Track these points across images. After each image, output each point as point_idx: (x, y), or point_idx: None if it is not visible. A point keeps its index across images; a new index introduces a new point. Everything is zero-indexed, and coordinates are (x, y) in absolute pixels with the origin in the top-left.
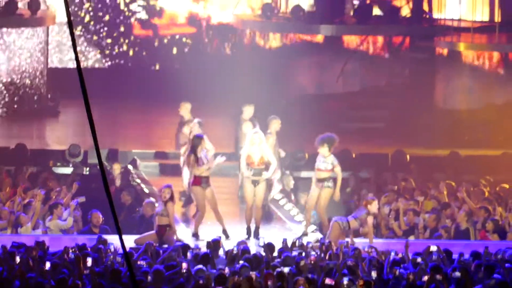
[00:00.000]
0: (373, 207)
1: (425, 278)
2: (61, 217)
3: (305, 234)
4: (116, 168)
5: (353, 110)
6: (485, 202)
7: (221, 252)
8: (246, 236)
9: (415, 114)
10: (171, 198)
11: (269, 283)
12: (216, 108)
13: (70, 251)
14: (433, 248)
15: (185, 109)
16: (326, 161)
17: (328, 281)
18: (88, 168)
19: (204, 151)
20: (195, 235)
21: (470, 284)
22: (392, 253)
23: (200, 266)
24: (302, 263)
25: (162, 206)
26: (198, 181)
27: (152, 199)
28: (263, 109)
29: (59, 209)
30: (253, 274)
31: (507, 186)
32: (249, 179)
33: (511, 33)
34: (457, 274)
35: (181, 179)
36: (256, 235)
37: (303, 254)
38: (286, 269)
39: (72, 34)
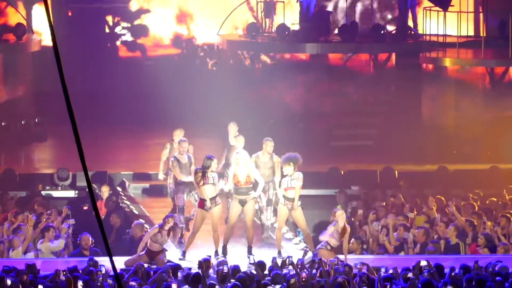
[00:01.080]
0: (340, 218)
1: None
2: (53, 240)
3: (279, 253)
4: (105, 191)
5: (341, 128)
6: (474, 216)
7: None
8: (222, 255)
9: (403, 130)
10: (173, 228)
11: None
12: (202, 129)
13: (62, 274)
14: (423, 262)
15: (179, 136)
16: (291, 179)
17: None
18: (77, 191)
19: (214, 173)
20: (184, 254)
21: None
22: (383, 269)
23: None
24: (292, 281)
25: (160, 233)
26: (201, 204)
27: (141, 220)
28: (251, 128)
29: (50, 232)
30: None
31: (495, 199)
32: (236, 198)
33: (496, 48)
34: None
35: (168, 200)
36: (248, 254)
37: (294, 272)
38: (277, 287)
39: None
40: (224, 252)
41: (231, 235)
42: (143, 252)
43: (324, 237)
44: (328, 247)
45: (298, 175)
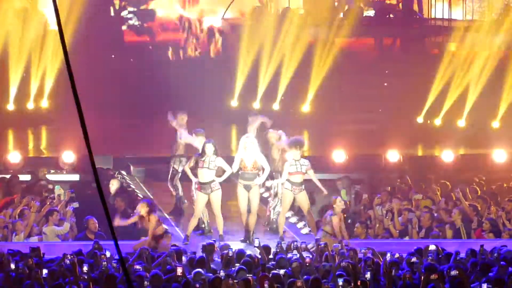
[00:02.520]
0: (338, 206)
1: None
2: (57, 224)
3: (282, 238)
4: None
5: (346, 112)
6: (479, 200)
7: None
8: (243, 239)
9: (408, 115)
10: (150, 212)
11: (265, 285)
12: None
13: (68, 257)
14: (432, 247)
15: (182, 120)
16: (298, 164)
17: None
18: (81, 175)
19: (213, 157)
20: (186, 238)
21: (466, 282)
22: (388, 254)
23: (198, 269)
24: (295, 265)
25: (141, 222)
26: (199, 187)
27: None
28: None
29: (54, 216)
30: (249, 276)
31: (500, 184)
32: (241, 184)
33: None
34: (454, 272)
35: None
36: (251, 240)
37: (298, 256)
38: (281, 271)
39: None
40: (249, 239)
41: (253, 221)
42: (147, 237)
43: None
44: (328, 235)
45: (305, 161)
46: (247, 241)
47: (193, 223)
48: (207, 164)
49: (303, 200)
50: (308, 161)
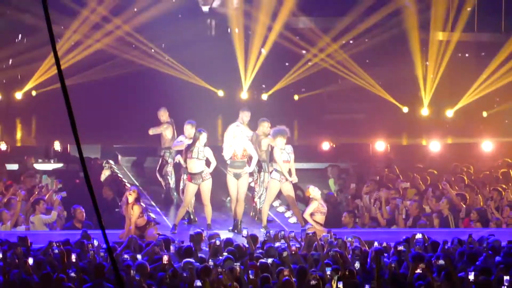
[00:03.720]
0: (314, 193)
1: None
2: (44, 213)
3: (265, 227)
4: (105, 173)
5: (334, 102)
6: (466, 189)
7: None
8: (231, 228)
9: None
10: (137, 200)
11: (250, 275)
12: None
13: (54, 245)
14: (418, 236)
15: (164, 115)
16: (284, 152)
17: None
18: (69, 165)
19: (201, 147)
20: (174, 227)
21: (453, 271)
22: (376, 243)
23: (188, 259)
24: (285, 254)
25: (131, 208)
26: (189, 177)
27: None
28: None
29: (41, 205)
30: (237, 265)
31: (488, 173)
32: (230, 172)
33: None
34: (441, 262)
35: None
36: (239, 229)
37: (286, 245)
38: (269, 260)
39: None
40: (237, 228)
41: (241, 209)
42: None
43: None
44: (316, 225)
45: (290, 148)
46: (235, 230)
47: (181, 212)
48: (196, 154)
49: (289, 190)
50: (291, 146)
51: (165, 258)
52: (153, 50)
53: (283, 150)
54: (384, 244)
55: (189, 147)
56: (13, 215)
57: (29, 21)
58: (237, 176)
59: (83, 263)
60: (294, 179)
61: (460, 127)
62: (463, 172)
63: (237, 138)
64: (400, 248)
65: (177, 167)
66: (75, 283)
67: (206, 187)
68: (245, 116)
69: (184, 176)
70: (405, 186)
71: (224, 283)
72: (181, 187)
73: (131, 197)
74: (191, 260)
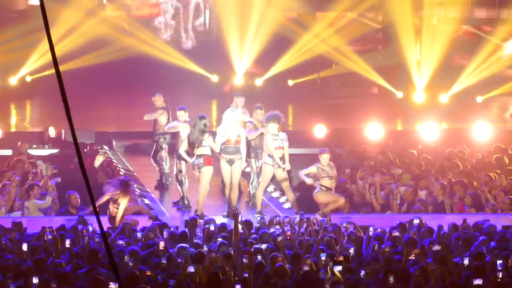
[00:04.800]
0: (324, 160)
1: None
2: (39, 198)
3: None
4: (100, 158)
5: (328, 87)
6: (462, 175)
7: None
8: (225, 214)
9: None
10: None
11: (244, 259)
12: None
13: (48, 231)
14: (415, 221)
15: (159, 100)
16: (278, 138)
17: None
18: (63, 150)
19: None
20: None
21: (449, 257)
22: (371, 228)
23: (182, 244)
24: (279, 239)
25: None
26: (210, 160)
27: (127, 177)
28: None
29: (35, 191)
30: (231, 251)
31: (481, 158)
32: (224, 158)
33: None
34: (436, 247)
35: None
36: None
37: (281, 231)
38: (263, 246)
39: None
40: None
41: (235, 195)
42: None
43: (303, 175)
44: (324, 189)
45: (284, 135)
46: (230, 216)
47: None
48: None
49: (282, 176)
50: (285, 134)
51: (162, 244)
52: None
53: (276, 136)
54: (379, 230)
55: (202, 135)
56: (7, 201)
57: (22, 6)
58: (230, 162)
59: (77, 248)
60: (287, 166)
61: (455, 112)
62: (458, 157)
63: (231, 123)
64: (395, 233)
65: (171, 153)
66: (69, 268)
67: (209, 172)
68: (239, 101)
69: (199, 161)
70: (397, 172)
71: (221, 268)
72: (174, 172)
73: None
74: (185, 245)
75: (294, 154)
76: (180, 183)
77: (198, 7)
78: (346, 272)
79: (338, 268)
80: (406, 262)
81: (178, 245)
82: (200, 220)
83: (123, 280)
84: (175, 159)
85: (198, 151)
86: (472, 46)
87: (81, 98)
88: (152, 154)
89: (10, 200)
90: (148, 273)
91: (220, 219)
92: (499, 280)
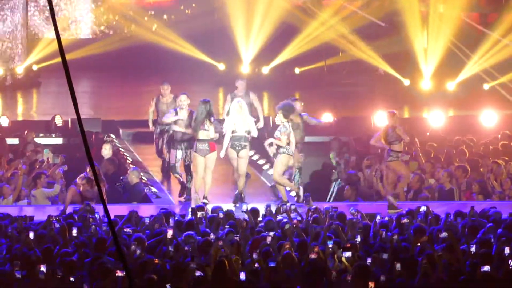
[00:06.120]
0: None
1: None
2: (46, 186)
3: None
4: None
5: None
6: (468, 162)
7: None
8: (233, 203)
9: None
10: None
11: (249, 246)
12: (196, 76)
13: (54, 219)
14: (423, 208)
15: (167, 89)
16: (280, 128)
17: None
18: (70, 138)
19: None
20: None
21: (456, 245)
22: (378, 216)
23: (189, 232)
24: (287, 227)
25: (90, 185)
26: (213, 146)
27: (136, 167)
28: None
29: (42, 179)
30: (237, 238)
31: (489, 146)
32: (231, 145)
33: None
34: (444, 234)
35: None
36: (240, 201)
37: (288, 219)
38: (270, 234)
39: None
40: (241, 199)
41: (242, 182)
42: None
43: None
44: (398, 156)
45: (287, 126)
46: (237, 204)
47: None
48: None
49: (281, 162)
50: (289, 125)
51: (170, 233)
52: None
53: (280, 127)
54: (387, 218)
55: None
56: (14, 190)
57: None
58: (238, 150)
59: (84, 237)
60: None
61: (461, 100)
62: (465, 145)
63: (238, 112)
64: (404, 220)
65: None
66: (76, 257)
67: (213, 158)
68: (240, 85)
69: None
70: (405, 159)
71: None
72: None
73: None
74: (192, 233)
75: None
76: (188, 172)
77: None
78: (354, 260)
79: (347, 255)
80: (413, 249)
81: (185, 233)
82: (204, 201)
83: (130, 269)
84: (183, 149)
85: (201, 135)
86: (477, 35)
87: (87, 87)
88: (157, 140)
89: (18, 188)
90: (156, 261)
91: (227, 207)
92: (511, 268)
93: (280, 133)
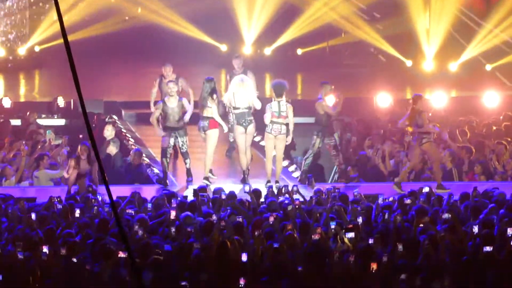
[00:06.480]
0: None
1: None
2: (48, 168)
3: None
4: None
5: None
6: (470, 142)
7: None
8: (240, 181)
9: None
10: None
11: (257, 231)
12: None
13: (56, 200)
14: (426, 189)
15: (170, 71)
16: (278, 107)
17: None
18: (73, 120)
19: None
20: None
21: (458, 225)
22: (380, 198)
23: (187, 213)
24: (290, 208)
25: (78, 164)
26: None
27: (139, 147)
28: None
29: (45, 160)
30: (240, 219)
31: (491, 126)
32: (236, 123)
33: None
34: (446, 215)
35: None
36: (244, 180)
37: (290, 199)
38: (273, 215)
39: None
40: (245, 179)
41: (246, 160)
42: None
43: None
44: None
45: (286, 105)
46: (244, 183)
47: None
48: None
49: (282, 145)
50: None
51: (173, 214)
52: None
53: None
54: (391, 199)
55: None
56: (17, 171)
57: None
58: (245, 126)
59: (86, 218)
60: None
61: (464, 81)
62: (468, 126)
63: (241, 88)
64: (407, 201)
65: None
66: (79, 238)
67: (213, 135)
68: (235, 63)
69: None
70: (408, 139)
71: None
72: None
73: (83, 154)
74: (190, 214)
75: (304, 123)
76: (186, 155)
77: None
78: (356, 241)
79: (349, 235)
80: (416, 230)
81: (182, 214)
82: (206, 182)
83: (133, 250)
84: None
85: (204, 113)
86: (481, 15)
87: (89, 68)
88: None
89: (21, 169)
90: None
91: (231, 186)
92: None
93: (266, 111)
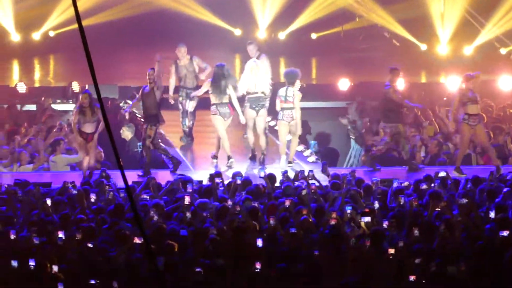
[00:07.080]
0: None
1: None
2: (64, 152)
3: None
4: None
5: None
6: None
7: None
8: (249, 163)
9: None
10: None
11: (272, 219)
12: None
13: (70, 185)
14: (442, 174)
15: (182, 52)
16: (285, 92)
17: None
18: None
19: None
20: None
21: (475, 210)
22: (395, 182)
23: (202, 199)
24: (304, 192)
25: (83, 113)
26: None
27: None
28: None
29: (61, 145)
30: (255, 204)
31: (507, 110)
32: (248, 106)
33: None
34: (463, 200)
35: (176, 112)
36: (261, 163)
37: (306, 184)
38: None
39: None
40: (261, 161)
41: (262, 143)
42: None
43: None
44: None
45: (293, 92)
46: (260, 166)
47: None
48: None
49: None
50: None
51: (187, 199)
52: None
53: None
54: (406, 184)
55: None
56: (34, 157)
57: None
58: (256, 110)
59: (101, 203)
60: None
61: (479, 64)
62: (484, 110)
63: (253, 73)
64: (424, 186)
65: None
66: (94, 223)
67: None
68: (249, 50)
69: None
70: (424, 124)
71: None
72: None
73: (85, 101)
74: (206, 200)
75: (319, 108)
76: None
77: None
78: (372, 225)
79: (366, 219)
80: (431, 214)
81: (197, 201)
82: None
83: (148, 235)
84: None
85: (224, 99)
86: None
87: (104, 53)
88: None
89: (41, 155)
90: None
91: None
92: None
93: (293, 97)
